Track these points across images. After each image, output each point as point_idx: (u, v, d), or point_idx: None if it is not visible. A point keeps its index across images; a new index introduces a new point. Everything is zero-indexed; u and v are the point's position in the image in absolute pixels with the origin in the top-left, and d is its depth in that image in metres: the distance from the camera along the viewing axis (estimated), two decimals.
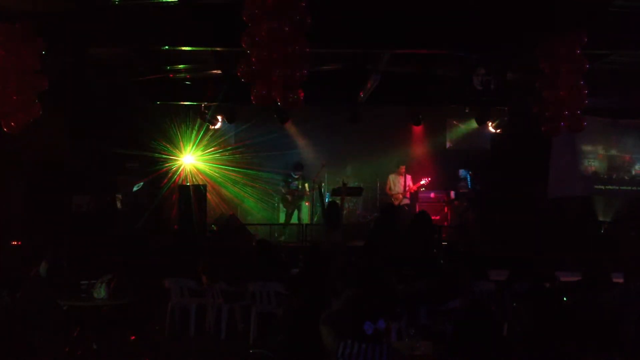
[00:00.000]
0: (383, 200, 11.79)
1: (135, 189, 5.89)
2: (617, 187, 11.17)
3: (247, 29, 5.59)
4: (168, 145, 11.83)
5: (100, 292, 5.75)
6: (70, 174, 9.25)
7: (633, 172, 11.23)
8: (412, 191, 11.60)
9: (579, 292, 5.19)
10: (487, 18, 6.86)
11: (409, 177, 11.58)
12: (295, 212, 11.55)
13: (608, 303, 4.72)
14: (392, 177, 11.63)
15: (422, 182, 11.55)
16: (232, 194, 12.63)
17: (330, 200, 11.28)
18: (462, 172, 11.41)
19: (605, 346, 4.33)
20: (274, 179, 12.27)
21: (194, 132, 12.22)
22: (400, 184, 11.52)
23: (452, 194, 11.36)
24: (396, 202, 11.46)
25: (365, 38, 7.17)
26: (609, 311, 4.62)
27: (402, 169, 11.58)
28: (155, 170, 11.34)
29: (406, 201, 11.58)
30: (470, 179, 11.34)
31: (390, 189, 11.62)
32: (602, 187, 11.15)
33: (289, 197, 11.32)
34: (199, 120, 11.46)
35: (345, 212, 12.24)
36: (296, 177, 11.27)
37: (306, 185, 11.35)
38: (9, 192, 8.50)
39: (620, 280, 5.18)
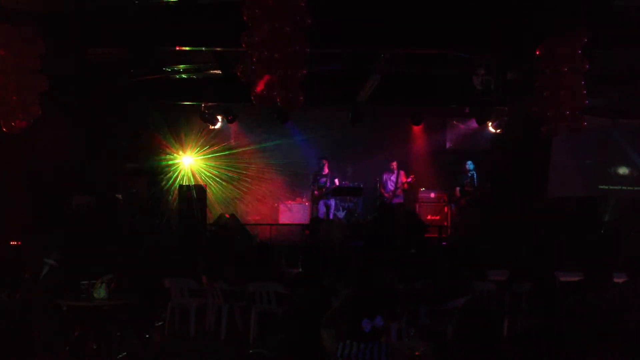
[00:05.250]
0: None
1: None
2: (617, 187, 11.17)
3: (248, 29, 5.59)
4: (168, 145, 11.84)
5: (100, 292, 5.74)
6: (70, 174, 9.26)
7: (633, 172, 11.22)
8: (405, 188, 11.49)
9: (579, 292, 5.19)
10: (487, 18, 6.86)
11: (402, 173, 11.47)
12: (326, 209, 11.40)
13: (609, 303, 4.72)
14: (385, 175, 11.60)
15: (408, 179, 11.39)
16: (232, 194, 12.63)
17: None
18: (469, 164, 11.33)
19: (606, 346, 4.33)
20: (298, 174, 12.24)
21: (194, 132, 12.23)
22: (392, 181, 11.46)
23: (457, 190, 11.27)
24: (387, 201, 11.41)
25: (365, 38, 7.17)
26: (610, 311, 4.62)
27: (394, 165, 11.50)
28: (156, 170, 11.34)
29: (398, 200, 11.51)
30: (476, 174, 11.27)
31: (383, 187, 11.57)
32: (602, 187, 11.15)
33: (316, 193, 11.25)
34: (199, 120, 11.46)
35: (344, 212, 12.29)
36: (325, 174, 11.21)
37: (336, 181, 11.26)
38: (9, 192, 8.50)
39: (621, 280, 5.18)
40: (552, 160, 10.67)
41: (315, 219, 10.47)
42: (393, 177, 11.45)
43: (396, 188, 11.37)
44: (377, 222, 8.99)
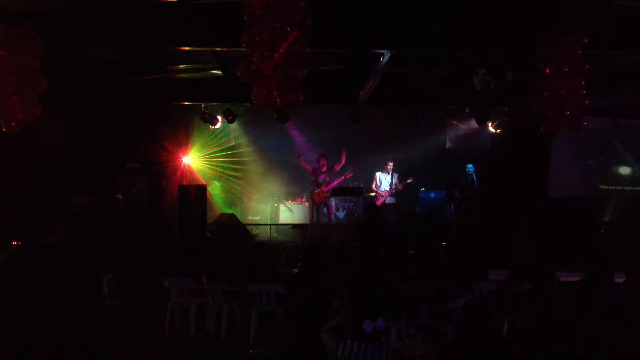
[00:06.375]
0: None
1: None
2: (617, 187, 11.17)
3: (247, 29, 5.59)
4: (168, 145, 11.84)
5: None
6: (70, 174, 9.26)
7: (633, 172, 11.23)
8: (399, 189, 11.50)
9: (579, 293, 5.18)
10: (487, 18, 6.86)
11: (396, 175, 11.50)
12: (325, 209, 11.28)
13: (609, 303, 4.72)
14: (379, 174, 11.58)
15: (409, 180, 11.40)
16: (233, 194, 12.63)
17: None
18: (469, 167, 11.33)
19: (606, 346, 4.33)
20: (298, 174, 12.17)
21: (194, 132, 12.23)
22: (387, 181, 11.46)
23: (457, 192, 11.26)
24: (380, 200, 11.38)
25: (365, 38, 7.17)
26: (610, 311, 4.62)
27: (390, 165, 11.49)
28: (155, 170, 11.35)
29: (391, 200, 11.50)
30: (476, 176, 11.27)
31: (376, 186, 11.55)
32: (602, 187, 11.15)
33: (317, 198, 11.15)
34: (199, 120, 11.47)
35: (344, 212, 12.32)
36: (324, 171, 11.15)
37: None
38: (9, 192, 8.50)
39: (621, 280, 5.18)
40: (552, 160, 10.68)
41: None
42: (388, 178, 11.45)
43: (391, 189, 11.38)
44: (366, 224, 8.99)
